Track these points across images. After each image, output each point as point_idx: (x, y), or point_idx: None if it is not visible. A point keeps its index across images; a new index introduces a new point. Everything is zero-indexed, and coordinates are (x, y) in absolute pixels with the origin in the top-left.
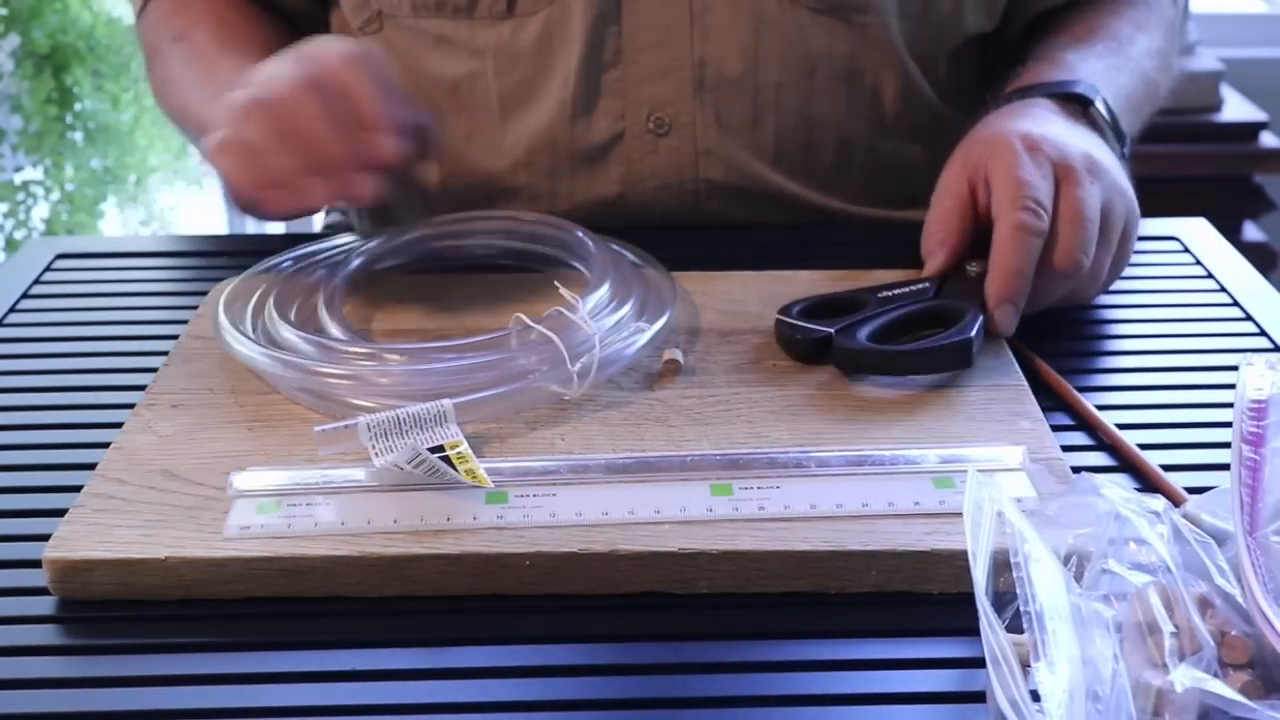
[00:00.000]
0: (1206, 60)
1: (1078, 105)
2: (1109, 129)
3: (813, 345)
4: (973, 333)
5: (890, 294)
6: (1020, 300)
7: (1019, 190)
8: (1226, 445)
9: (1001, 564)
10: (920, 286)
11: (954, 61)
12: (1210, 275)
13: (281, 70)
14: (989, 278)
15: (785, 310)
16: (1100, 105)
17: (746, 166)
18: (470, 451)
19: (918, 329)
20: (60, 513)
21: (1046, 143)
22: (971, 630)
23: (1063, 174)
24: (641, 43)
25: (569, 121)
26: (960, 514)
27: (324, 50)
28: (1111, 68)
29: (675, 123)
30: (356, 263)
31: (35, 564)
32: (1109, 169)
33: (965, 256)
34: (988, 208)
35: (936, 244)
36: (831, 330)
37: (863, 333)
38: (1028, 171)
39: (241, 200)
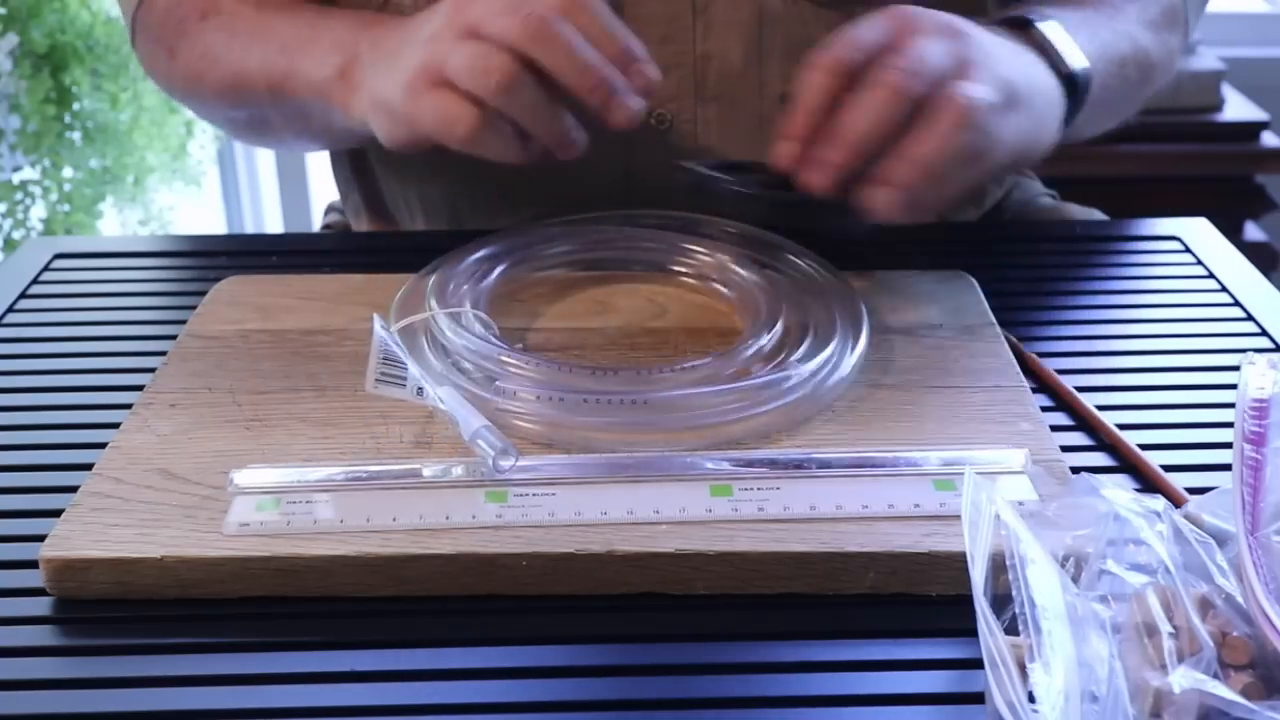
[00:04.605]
0: (1207, 60)
1: (1020, 29)
2: (1054, 52)
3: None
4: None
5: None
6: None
7: (909, 57)
8: (1227, 445)
9: (1000, 565)
10: None
11: None
12: (1211, 275)
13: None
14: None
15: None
16: (1046, 26)
17: None
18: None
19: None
20: (58, 513)
21: (967, 39)
22: (970, 631)
23: (960, 68)
24: (643, 36)
25: None
26: (960, 516)
27: None
28: (1089, 22)
29: (677, 119)
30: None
31: (32, 564)
32: (1026, 95)
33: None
34: None
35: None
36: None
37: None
38: (928, 50)
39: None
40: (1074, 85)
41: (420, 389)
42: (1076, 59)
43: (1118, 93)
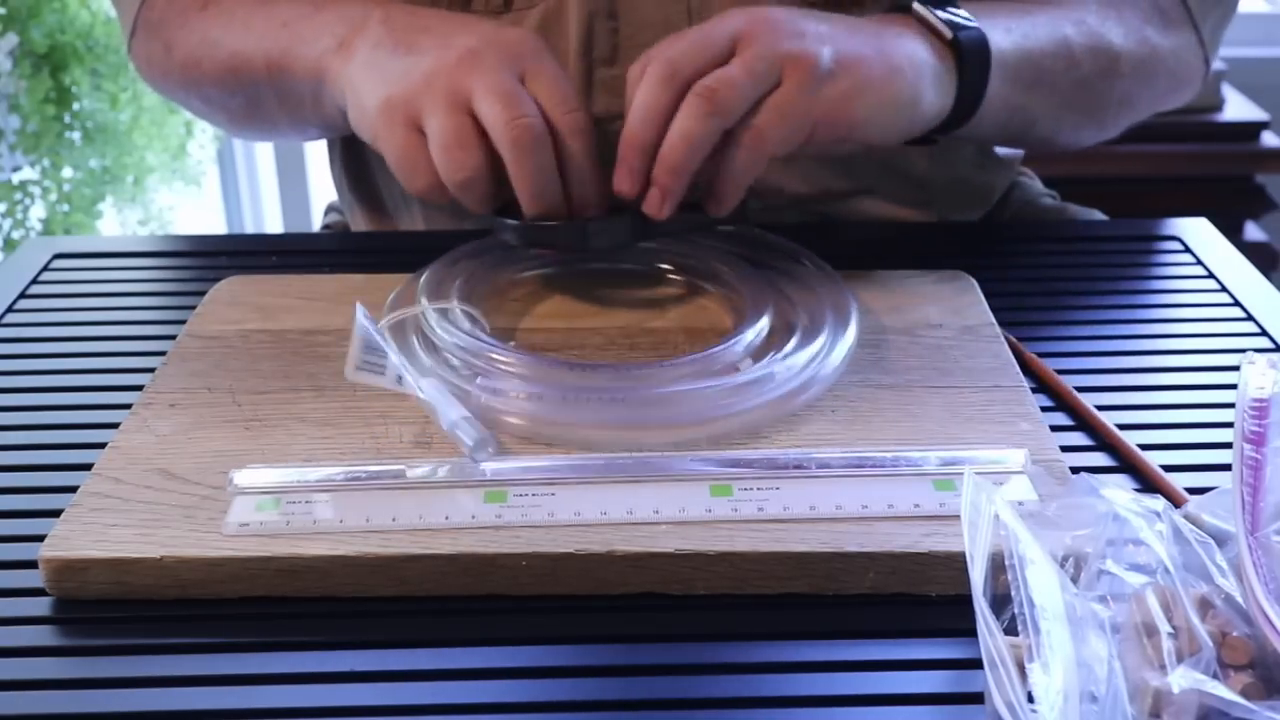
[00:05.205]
0: None
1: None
2: (929, 22)
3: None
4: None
5: None
6: (674, 189)
7: (673, 49)
8: (1227, 445)
9: (1000, 565)
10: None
11: None
12: (1211, 275)
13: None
14: None
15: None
16: (921, 6)
17: None
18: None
19: None
20: (57, 513)
21: (789, 30)
22: (969, 632)
23: (790, 67)
24: (639, 40)
25: None
26: (959, 516)
27: (561, 98)
28: (1015, 8)
29: None
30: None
31: (32, 564)
32: (872, 64)
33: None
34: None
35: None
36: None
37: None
38: (703, 33)
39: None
40: (964, 50)
41: (400, 377)
42: (961, 24)
43: (1063, 74)
